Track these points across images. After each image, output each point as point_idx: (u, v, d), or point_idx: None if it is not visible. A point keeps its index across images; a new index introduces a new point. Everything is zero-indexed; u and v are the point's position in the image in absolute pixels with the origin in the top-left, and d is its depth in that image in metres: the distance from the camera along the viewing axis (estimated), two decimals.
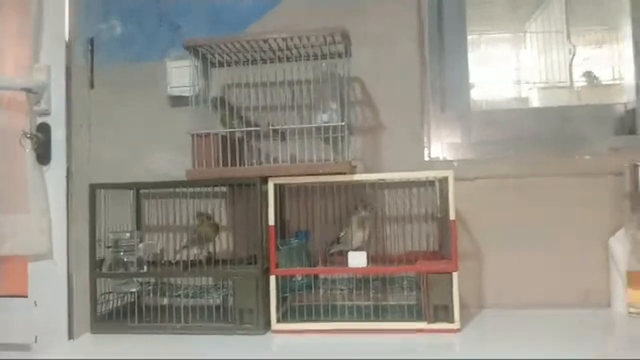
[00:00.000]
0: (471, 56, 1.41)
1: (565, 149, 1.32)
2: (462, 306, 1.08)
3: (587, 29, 1.67)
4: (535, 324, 1.13)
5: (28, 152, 1.39)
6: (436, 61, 1.36)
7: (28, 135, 1.38)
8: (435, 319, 1.08)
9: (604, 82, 1.59)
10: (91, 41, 1.45)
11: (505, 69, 1.58)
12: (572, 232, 1.26)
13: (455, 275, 1.07)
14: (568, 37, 1.66)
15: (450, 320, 1.07)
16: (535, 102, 1.59)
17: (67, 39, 1.44)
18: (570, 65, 1.64)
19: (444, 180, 1.13)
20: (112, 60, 1.44)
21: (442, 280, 1.08)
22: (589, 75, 1.55)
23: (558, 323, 1.14)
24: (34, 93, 1.41)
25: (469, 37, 1.41)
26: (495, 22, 1.60)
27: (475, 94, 1.44)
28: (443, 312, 1.08)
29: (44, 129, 1.41)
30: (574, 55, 1.65)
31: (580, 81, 1.61)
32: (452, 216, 1.09)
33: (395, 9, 1.33)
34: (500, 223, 1.28)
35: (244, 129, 1.19)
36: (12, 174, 1.41)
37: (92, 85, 1.45)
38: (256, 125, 1.19)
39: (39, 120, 1.42)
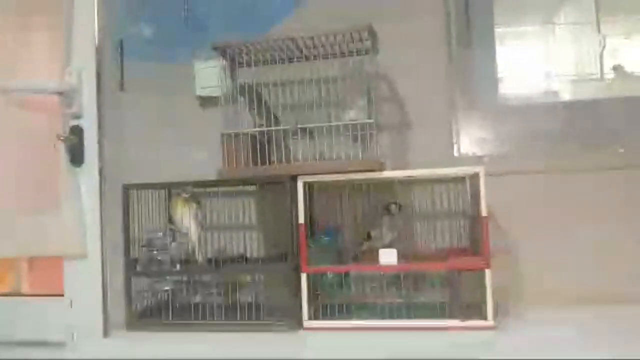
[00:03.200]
0: (499, 49, 1.39)
1: (598, 143, 1.30)
2: (496, 303, 1.07)
3: (618, 19, 1.63)
4: (571, 322, 1.11)
5: (62, 154, 1.42)
6: (464, 55, 1.35)
7: (61, 138, 1.41)
8: (469, 317, 1.07)
9: (636, 74, 1.55)
10: (121, 44, 1.48)
11: (534, 62, 1.55)
12: (606, 227, 1.24)
13: (488, 272, 1.06)
14: (598, 28, 1.62)
15: (484, 317, 1.06)
16: (566, 95, 1.56)
17: (96, 42, 1.46)
18: (601, 57, 1.61)
19: (474, 176, 1.12)
20: (142, 63, 1.46)
21: (475, 277, 1.07)
22: None
23: (595, 320, 1.12)
24: (65, 96, 1.44)
25: (497, 31, 1.39)
26: (523, 15, 1.57)
27: (504, 88, 1.41)
28: (476, 310, 1.07)
29: (77, 131, 1.44)
30: (604, 46, 1.61)
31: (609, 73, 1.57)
32: (483, 212, 1.08)
33: (422, 4, 1.33)
34: (533, 219, 1.26)
35: (273, 127, 1.20)
36: (46, 176, 1.45)
37: (122, 88, 1.47)
38: (284, 124, 1.20)
39: (72, 122, 1.45)
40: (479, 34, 1.37)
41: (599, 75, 1.58)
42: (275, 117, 1.23)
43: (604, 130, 1.31)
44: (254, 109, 1.21)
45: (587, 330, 1.05)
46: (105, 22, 1.47)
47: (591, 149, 1.29)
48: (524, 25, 1.56)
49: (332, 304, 1.16)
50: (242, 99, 1.22)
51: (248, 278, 1.26)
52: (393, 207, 1.21)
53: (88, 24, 1.46)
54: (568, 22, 1.62)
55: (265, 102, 1.23)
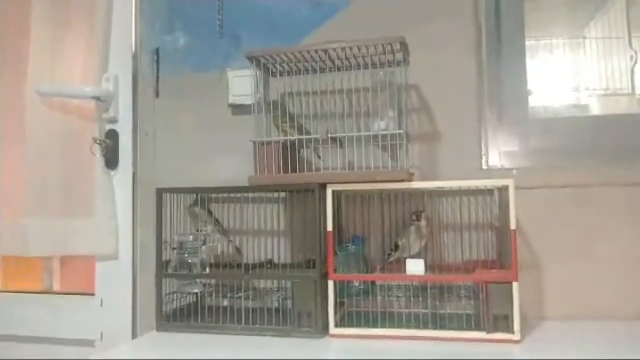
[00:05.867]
0: (529, 63, 1.39)
1: (627, 158, 1.29)
2: (522, 317, 1.07)
3: None
4: (598, 336, 1.10)
5: (97, 157, 1.46)
6: (494, 68, 1.35)
7: (98, 142, 1.46)
8: (495, 329, 1.07)
9: None
10: (156, 52, 1.52)
11: (563, 75, 1.54)
12: (634, 243, 1.23)
13: (515, 284, 1.06)
14: (629, 42, 1.61)
15: (510, 330, 1.06)
16: (596, 110, 1.55)
17: (133, 50, 1.51)
18: (632, 71, 1.60)
19: (503, 189, 1.13)
20: (176, 70, 1.50)
21: (501, 290, 1.07)
22: None
23: (621, 335, 1.11)
24: (102, 101, 1.48)
25: (527, 43, 1.40)
26: (553, 28, 1.57)
27: (534, 101, 1.41)
28: (503, 322, 1.07)
29: (112, 136, 1.49)
30: (635, 61, 1.60)
31: None
32: (512, 225, 1.08)
33: (452, 16, 1.33)
34: (560, 233, 1.25)
35: (304, 136, 1.22)
36: (81, 178, 1.49)
37: (157, 94, 1.51)
38: (315, 133, 1.22)
39: (108, 127, 1.50)
40: (509, 46, 1.37)
41: (629, 90, 1.57)
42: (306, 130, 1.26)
43: (634, 146, 1.30)
44: (285, 122, 1.24)
45: (613, 346, 1.04)
46: (142, 30, 1.52)
47: (621, 164, 1.28)
48: (554, 38, 1.57)
49: (357, 311, 1.17)
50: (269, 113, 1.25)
51: (275, 284, 1.28)
52: (420, 219, 1.21)
53: (126, 33, 1.51)
54: (599, 36, 1.61)
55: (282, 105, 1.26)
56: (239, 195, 1.30)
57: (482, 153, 1.32)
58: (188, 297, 1.30)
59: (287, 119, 1.24)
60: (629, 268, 1.22)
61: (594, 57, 1.61)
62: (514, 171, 1.29)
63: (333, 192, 1.16)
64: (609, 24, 1.61)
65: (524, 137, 1.35)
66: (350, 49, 1.18)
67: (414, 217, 1.22)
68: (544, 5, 1.53)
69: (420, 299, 1.17)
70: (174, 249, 1.23)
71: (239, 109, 1.42)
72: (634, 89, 1.56)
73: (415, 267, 1.12)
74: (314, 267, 1.15)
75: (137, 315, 1.45)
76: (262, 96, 1.25)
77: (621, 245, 1.23)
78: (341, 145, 1.24)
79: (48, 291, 1.69)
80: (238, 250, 1.34)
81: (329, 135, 1.20)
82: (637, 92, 1.56)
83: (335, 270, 1.15)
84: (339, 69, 1.26)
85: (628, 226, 1.23)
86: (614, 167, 1.28)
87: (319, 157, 1.28)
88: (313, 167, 1.24)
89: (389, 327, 1.12)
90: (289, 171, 1.20)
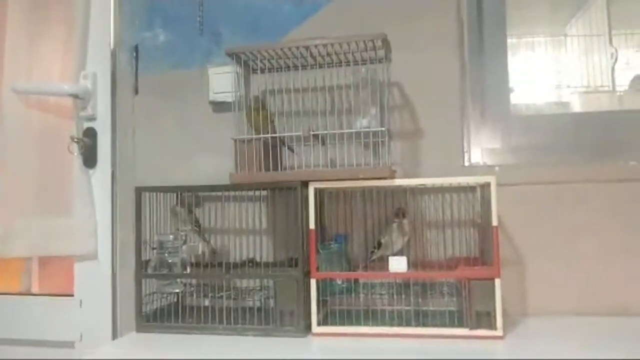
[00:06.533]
0: (511, 60, 1.40)
1: (608, 155, 1.30)
2: (504, 313, 1.07)
3: (630, 32, 1.63)
4: (579, 332, 1.11)
5: (75, 156, 1.44)
6: (476, 65, 1.35)
7: (75, 140, 1.43)
8: (477, 326, 1.07)
9: None
10: (136, 49, 1.49)
11: (545, 73, 1.55)
12: (616, 239, 1.24)
13: (497, 281, 1.06)
14: (610, 40, 1.62)
15: (493, 327, 1.06)
16: (577, 107, 1.56)
17: (112, 46, 1.49)
18: (612, 69, 1.61)
19: (485, 186, 1.13)
20: (156, 67, 1.48)
21: (484, 287, 1.07)
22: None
23: (602, 331, 1.12)
24: (80, 99, 1.46)
25: (509, 41, 1.40)
26: (535, 26, 1.58)
27: (515, 98, 1.42)
28: (485, 319, 1.07)
29: (91, 134, 1.46)
30: (616, 59, 1.61)
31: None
32: (494, 222, 1.08)
33: (435, 14, 1.33)
34: (542, 229, 1.26)
35: (285, 134, 1.21)
36: (59, 177, 1.47)
37: (136, 92, 1.49)
38: (297, 131, 1.21)
39: (86, 125, 1.47)
40: (491, 44, 1.37)
41: (610, 88, 1.58)
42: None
43: (615, 143, 1.31)
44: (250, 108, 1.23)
45: (595, 342, 1.05)
46: (121, 27, 1.50)
47: (602, 160, 1.29)
48: (536, 36, 1.57)
49: (340, 310, 1.16)
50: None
51: (257, 283, 1.26)
52: (402, 217, 1.21)
53: (104, 29, 1.49)
54: (580, 34, 1.62)
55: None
56: (220, 193, 1.28)
57: (465, 150, 1.32)
58: (168, 298, 1.28)
59: (268, 115, 1.23)
60: (612, 264, 1.23)
61: (575, 54, 1.62)
62: (496, 168, 1.30)
63: (315, 189, 1.15)
64: (590, 22, 1.62)
65: (506, 134, 1.35)
66: (332, 45, 1.17)
67: (396, 214, 1.22)
68: (525, 3, 1.53)
69: (403, 296, 1.16)
70: (153, 248, 1.21)
71: (219, 106, 1.40)
72: (614, 86, 1.57)
73: (398, 264, 1.11)
74: (296, 265, 1.14)
75: (117, 316, 1.43)
76: (243, 93, 1.24)
77: (603, 241, 1.24)
78: (323, 143, 1.23)
79: (27, 293, 1.66)
80: (214, 251, 1.32)
81: (311, 132, 1.19)
82: (618, 89, 1.57)
83: (317, 269, 1.14)
84: (320, 66, 1.25)
85: (610, 222, 1.24)
86: (595, 163, 1.28)
87: (292, 151, 1.27)
88: (295, 164, 1.23)
89: (372, 324, 1.12)
90: (271, 169, 1.18)
